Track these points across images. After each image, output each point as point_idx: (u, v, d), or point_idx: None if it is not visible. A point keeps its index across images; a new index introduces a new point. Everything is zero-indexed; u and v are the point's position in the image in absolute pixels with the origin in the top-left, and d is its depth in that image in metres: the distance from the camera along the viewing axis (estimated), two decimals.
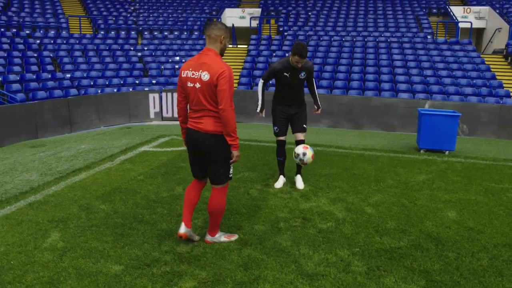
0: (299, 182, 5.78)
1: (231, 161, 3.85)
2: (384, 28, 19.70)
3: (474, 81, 14.01)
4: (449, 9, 20.53)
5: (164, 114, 12.52)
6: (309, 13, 22.06)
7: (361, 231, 4.43)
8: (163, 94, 12.47)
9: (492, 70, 14.95)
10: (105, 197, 5.29)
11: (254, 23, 21.24)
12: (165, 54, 17.19)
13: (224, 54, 14.46)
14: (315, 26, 20.51)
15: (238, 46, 23.46)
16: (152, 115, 12.37)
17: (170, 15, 21.99)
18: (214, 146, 3.72)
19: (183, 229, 3.92)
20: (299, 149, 5.48)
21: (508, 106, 11.53)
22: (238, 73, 16.25)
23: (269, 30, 20.62)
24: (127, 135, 9.53)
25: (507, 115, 11.13)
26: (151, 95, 12.30)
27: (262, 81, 5.60)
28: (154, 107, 12.34)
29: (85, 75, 14.80)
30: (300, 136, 5.69)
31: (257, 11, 22.39)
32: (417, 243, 4.16)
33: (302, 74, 5.44)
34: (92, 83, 14.37)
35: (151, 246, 4.02)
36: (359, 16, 21.46)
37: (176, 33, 19.66)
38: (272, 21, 21.95)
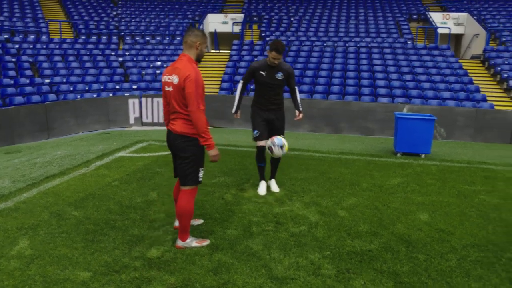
0: (274, 186, 5.81)
1: (210, 160, 3.96)
2: (365, 33, 19.92)
3: (452, 86, 14.24)
4: (428, 15, 20.87)
5: (144, 120, 12.43)
6: (291, 19, 22.20)
7: (333, 234, 4.45)
8: (143, 100, 12.39)
9: (470, 75, 15.22)
10: (78, 203, 5.22)
11: (237, 29, 21.29)
12: (146, 59, 17.10)
13: (206, 59, 14.45)
14: (297, 32, 20.64)
15: (220, 51, 23.51)
16: (131, 121, 12.28)
17: (152, 20, 21.91)
18: (182, 146, 3.88)
19: (176, 223, 4.30)
20: (280, 141, 5.37)
21: (484, 110, 11.75)
22: (220, 78, 16.25)
23: (251, 35, 20.68)
24: (105, 141, 9.43)
25: (483, 118, 11.33)
26: (131, 101, 12.21)
27: (242, 82, 5.62)
28: (134, 113, 12.25)
29: (64, 80, 14.63)
30: None
31: (239, 17, 22.46)
32: (388, 246, 4.19)
33: (279, 75, 5.40)
34: (71, 88, 14.21)
35: (121, 252, 3.98)
36: (340, 22, 21.67)
37: (158, 38, 19.59)
38: (255, 27, 22.04)
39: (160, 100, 12.42)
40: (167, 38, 19.50)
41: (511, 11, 21.11)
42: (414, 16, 22.07)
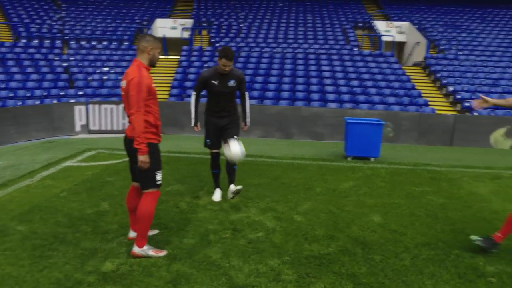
0: (232, 186, 5.60)
1: (138, 164, 3.89)
2: (313, 40, 20.38)
3: (396, 91, 14.86)
4: (373, 24, 21.72)
5: (91, 127, 11.99)
6: (241, 25, 22.30)
7: (291, 239, 4.47)
8: (90, 106, 11.95)
9: (412, 81, 15.97)
10: (23, 217, 4.91)
11: (186, 34, 21.09)
12: (92, 64, 16.52)
13: (157, 66, 14.17)
14: (247, 38, 20.77)
15: (169, 57, 23.19)
16: (78, 128, 11.79)
17: (98, 24, 21.22)
18: (134, 150, 3.87)
19: (131, 234, 4.26)
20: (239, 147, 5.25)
21: (427, 114, 12.35)
22: (169, 85, 16.01)
23: (201, 41, 20.57)
24: (50, 150, 8.98)
25: (425, 122, 11.91)
26: (77, 107, 11.74)
27: (194, 93, 5.50)
28: (80, 120, 11.78)
29: (3, 86, 13.82)
30: None
31: (189, 22, 22.27)
32: (344, 248, 4.27)
33: (232, 82, 5.35)
34: (11, 95, 13.44)
35: (73, 267, 3.77)
36: (289, 28, 22.04)
37: (104, 43, 18.99)
38: (204, 32, 21.93)
39: (108, 106, 12.04)
40: (114, 43, 18.96)
41: (447, 21, 22.40)
42: (360, 24, 22.88)
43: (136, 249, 3.95)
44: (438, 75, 16.50)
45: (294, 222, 4.96)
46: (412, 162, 8.40)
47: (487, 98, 4.33)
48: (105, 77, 15.47)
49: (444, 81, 15.92)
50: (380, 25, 21.74)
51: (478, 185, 6.87)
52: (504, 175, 7.68)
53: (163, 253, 4.05)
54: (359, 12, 24.79)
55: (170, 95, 14.73)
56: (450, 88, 15.32)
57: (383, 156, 8.91)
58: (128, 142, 3.98)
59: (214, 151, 5.60)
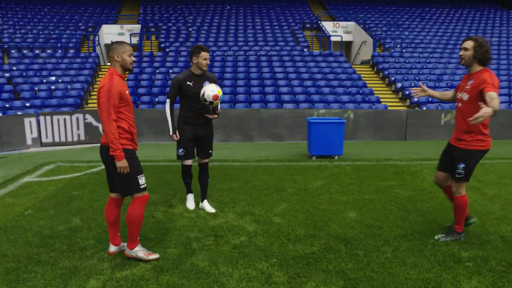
0: (208, 207, 5.48)
1: (117, 171, 3.85)
2: (264, 42, 20.58)
3: (349, 90, 15.32)
4: (321, 24, 22.26)
5: (44, 140, 11.42)
6: (190, 29, 22.11)
7: (274, 241, 4.51)
8: (41, 118, 11.38)
9: (363, 79, 16.52)
10: None
11: (135, 40, 20.61)
12: (38, 74, 15.75)
13: (104, 73, 13.65)
14: (197, 42, 20.61)
15: None
16: (29, 142, 11.19)
17: (40, 32, 20.25)
18: (110, 158, 3.87)
19: (111, 248, 4.22)
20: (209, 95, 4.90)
21: (381, 111, 12.83)
22: None
23: (151, 46, 20.18)
24: (3, 166, 8.48)
25: (380, 118, 12.37)
26: (26, 120, 11.13)
27: (169, 100, 5.21)
28: (32, 133, 11.17)
29: None
30: (205, 160, 5.44)
31: (136, 27, 21.77)
32: (328, 246, 4.36)
33: (206, 84, 5.10)
34: None
35: None
36: (239, 31, 22.11)
37: (49, 51, 18.16)
38: (153, 38, 21.53)
39: (61, 117, 11.53)
40: (60, 51, 18.19)
41: (390, 21, 23.40)
42: (307, 25, 23.37)
43: (127, 250, 4.08)
44: (386, 72, 17.19)
45: (274, 224, 5.00)
46: (374, 158, 8.71)
47: (425, 88, 4.64)
48: (53, 87, 14.78)
49: (392, 78, 16.61)
50: (327, 26, 22.33)
51: None
52: None
53: (154, 256, 4.08)
54: (305, 13, 25.32)
55: None
56: (399, 85, 16.01)
57: (345, 154, 9.17)
58: (103, 150, 3.95)
59: (186, 163, 5.34)
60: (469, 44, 4.09)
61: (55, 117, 11.47)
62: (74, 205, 5.74)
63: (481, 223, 5.05)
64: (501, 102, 14.99)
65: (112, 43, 4.02)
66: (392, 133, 12.37)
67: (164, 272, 3.84)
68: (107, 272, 3.86)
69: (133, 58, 4.01)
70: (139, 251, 4.06)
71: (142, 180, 4.00)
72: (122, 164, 3.81)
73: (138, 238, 4.15)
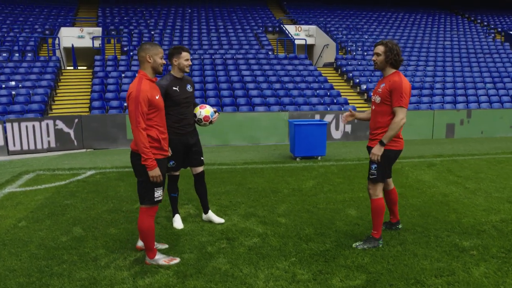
0: (216, 218, 5.24)
1: (150, 180, 3.84)
2: (228, 45, 20.65)
3: (317, 92, 15.70)
4: (283, 28, 22.62)
5: (11, 148, 10.91)
6: (152, 32, 21.80)
7: (287, 241, 4.61)
8: (7, 125, 10.87)
9: (328, 81, 16.97)
10: None
11: (97, 43, 20.05)
12: None
13: (67, 78, 13.32)
14: (161, 45, 20.32)
15: (79, 68, 21.90)
16: None
17: None
18: (133, 164, 3.91)
19: (139, 243, 4.35)
20: (201, 114, 4.85)
21: None
22: (87, 97, 15.15)
23: (114, 50, 19.71)
24: None
25: (352, 120, 12.77)
26: None
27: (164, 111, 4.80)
28: None
29: None
30: (200, 168, 5.10)
31: (97, 30, 21.19)
32: (340, 243, 4.52)
33: (189, 87, 4.86)
34: None
35: None
36: (202, 35, 22.05)
37: (4, 54, 17.32)
38: (112, 40, 21.01)
39: (29, 124, 11.07)
40: (16, 55, 17.39)
41: (349, 25, 24.16)
42: (270, 29, 23.67)
43: (147, 259, 4.08)
44: (350, 74, 17.75)
45: (281, 225, 5.10)
46: (355, 157, 9.02)
47: (353, 112, 4.80)
48: (13, 92, 14.13)
49: (357, 80, 17.17)
50: (290, 29, 22.72)
51: (420, 173, 7.63)
52: (436, 162, 8.61)
53: (175, 261, 4.08)
54: (267, 17, 25.63)
55: (92, 107, 13.94)
56: (363, 87, 16.59)
57: (326, 155, 9.42)
58: (131, 155, 3.94)
59: (175, 173, 5.00)
60: (380, 49, 4.19)
61: (22, 124, 11.01)
62: (70, 215, 5.58)
63: (472, 214, 5.40)
64: (458, 102, 15.91)
65: (143, 43, 3.89)
66: (363, 133, 12.81)
67: (188, 277, 3.84)
68: (129, 281, 3.80)
69: (164, 61, 3.95)
70: (160, 259, 4.04)
71: (158, 193, 3.93)
72: (154, 173, 3.78)
73: (155, 247, 4.13)
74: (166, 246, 4.52)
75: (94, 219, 5.43)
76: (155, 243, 4.42)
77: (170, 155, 4.63)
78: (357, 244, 4.42)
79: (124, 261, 4.18)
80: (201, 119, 4.88)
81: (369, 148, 4.42)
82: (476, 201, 6.00)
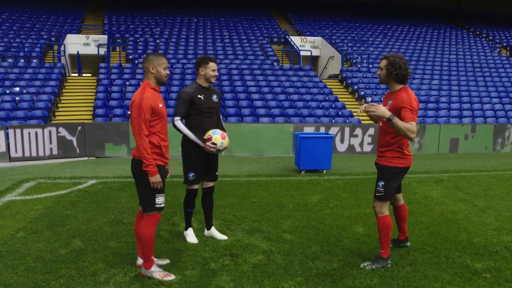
0: (219, 234, 5.09)
1: (151, 186, 3.84)
2: (234, 55, 20.62)
3: (322, 104, 15.59)
4: (289, 39, 22.61)
5: (13, 154, 10.81)
6: (158, 41, 21.82)
7: (293, 259, 4.46)
8: (10, 131, 10.79)
9: (333, 93, 16.87)
10: None
11: (102, 51, 20.06)
12: (0, 84, 14.96)
13: (72, 85, 13.23)
14: (166, 54, 20.35)
15: (84, 75, 21.89)
16: None
17: (0, 40, 19.32)
18: (134, 170, 3.92)
19: (139, 261, 4.21)
20: (218, 140, 4.60)
21: (354, 124, 13.11)
22: (91, 105, 15.09)
23: (119, 58, 19.71)
24: None
25: (354, 132, 12.66)
26: None
27: (179, 117, 4.63)
28: None
29: None
30: (212, 183, 5.01)
31: (102, 38, 21.22)
32: (347, 262, 4.37)
33: (215, 97, 4.79)
34: None
35: None
36: (208, 44, 22.06)
37: (10, 60, 17.32)
38: (117, 48, 21.03)
39: (32, 130, 11.00)
40: (22, 61, 17.39)
41: (354, 37, 24.14)
42: (275, 39, 23.67)
43: (143, 269, 4.04)
44: (356, 87, 17.66)
45: (286, 241, 4.96)
46: (361, 171, 8.87)
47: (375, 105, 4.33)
48: (17, 98, 14.08)
49: (362, 93, 17.08)
50: (295, 40, 22.70)
51: (428, 189, 7.47)
52: (443, 178, 8.45)
53: (170, 277, 3.97)
54: (272, 28, 25.65)
55: (96, 115, 13.86)
56: (369, 99, 16.48)
57: (332, 168, 9.28)
58: (132, 162, 3.95)
59: (195, 187, 4.83)
60: (383, 63, 4.12)
61: (25, 130, 10.92)
62: (70, 226, 5.45)
63: (483, 234, 5.24)
64: (464, 117, 15.78)
65: (148, 54, 3.95)
66: (370, 146, 12.66)
67: None
68: None
69: (168, 72, 3.95)
70: (155, 272, 3.98)
71: (159, 200, 3.92)
72: (155, 179, 3.81)
73: (153, 258, 4.03)
74: (167, 261, 4.39)
75: (94, 231, 5.29)
76: (156, 259, 4.31)
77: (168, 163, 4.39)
78: (366, 264, 4.26)
79: (124, 277, 4.04)
80: (220, 149, 4.64)
81: (377, 165, 4.31)
82: (486, 220, 5.84)
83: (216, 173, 5.03)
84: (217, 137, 4.59)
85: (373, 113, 3.92)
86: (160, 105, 3.87)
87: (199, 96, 4.67)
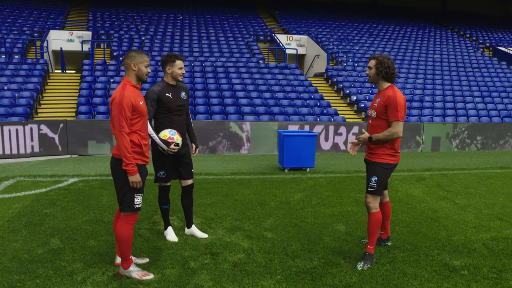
0: (199, 233, 5.05)
1: (130, 185, 3.79)
2: (219, 53, 20.54)
3: (307, 102, 15.62)
4: (275, 37, 22.60)
5: None
6: (143, 38, 21.62)
7: (273, 257, 4.45)
8: None
9: (318, 91, 16.91)
10: None
11: (86, 47, 19.81)
12: None
13: (55, 81, 13.02)
14: (151, 51, 20.17)
15: (68, 71, 21.60)
16: None
17: None
18: (113, 169, 3.86)
19: (117, 260, 4.17)
20: (179, 140, 4.54)
21: (339, 123, 13.17)
22: (74, 102, 14.89)
23: (103, 54, 19.47)
24: None
25: (339, 130, 12.71)
26: None
27: (148, 117, 4.46)
28: None
29: None
30: (190, 181, 4.93)
31: (87, 34, 20.94)
32: (328, 260, 4.37)
33: (183, 94, 4.73)
34: None
35: None
36: (193, 42, 21.93)
37: None
38: (102, 45, 20.79)
39: (12, 128, 10.80)
40: (3, 57, 17.07)
41: (340, 35, 24.24)
42: (261, 37, 23.63)
43: (120, 269, 3.98)
44: (341, 85, 17.73)
45: (267, 240, 4.94)
46: (344, 170, 8.90)
47: (356, 141, 4.46)
48: None
49: (347, 91, 17.15)
50: (281, 38, 22.70)
51: (410, 187, 7.53)
52: (425, 176, 8.53)
53: (148, 277, 3.94)
54: (258, 26, 25.62)
55: (79, 113, 13.67)
56: (354, 98, 16.56)
57: (316, 166, 9.30)
58: (111, 160, 3.88)
59: (166, 184, 4.84)
60: (371, 63, 4.30)
61: (5, 128, 10.72)
62: (49, 225, 5.36)
63: (462, 232, 5.30)
64: (448, 116, 15.97)
65: (130, 51, 3.88)
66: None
67: None
68: None
69: (149, 70, 3.88)
70: (133, 272, 3.94)
71: (138, 200, 3.88)
72: (134, 179, 3.74)
73: (131, 257, 3.99)
74: (146, 260, 4.34)
75: (73, 230, 5.21)
76: (134, 258, 4.27)
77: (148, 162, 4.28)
78: (361, 265, 4.22)
79: (102, 276, 3.99)
80: (178, 144, 4.56)
81: (368, 161, 4.39)
82: (466, 217, 5.91)
83: (192, 170, 4.97)
84: (177, 137, 4.53)
85: (360, 145, 4.31)
86: (141, 103, 3.81)
87: (167, 94, 4.59)
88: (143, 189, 3.93)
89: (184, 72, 4.72)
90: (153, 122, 4.71)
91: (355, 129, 12.93)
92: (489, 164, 10.75)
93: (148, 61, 3.88)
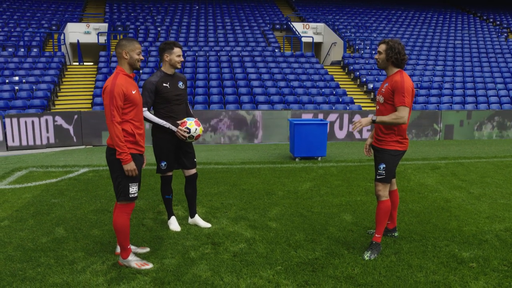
0: (203, 222, 5.03)
1: (125, 175, 3.78)
2: (235, 42, 20.40)
3: (322, 90, 15.39)
4: (291, 25, 22.31)
5: (10, 143, 10.81)
6: (159, 28, 21.64)
7: (275, 247, 4.38)
8: (7, 120, 10.77)
9: (335, 80, 16.65)
10: None
11: (102, 39, 19.96)
12: (0, 73, 14.94)
13: (71, 74, 13.11)
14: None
15: (85, 63, 21.84)
16: None
17: (0, 29, 19.28)
18: (108, 159, 3.85)
19: (118, 249, 4.17)
20: (196, 131, 4.61)
21: (354, 111, 12.93)
22: (91, 93, 15.04)
23: None
24: None
25: (353, 119, 12.47)
26: None
27: (145, 108, 4.48)
28: None
29: None
30: (193, 171, 4.89)
31: (103, 26, 21.09)
32: (331, 251, 4.27)
33: (181, 84, 4.66)
34: None
35: None
36: (209, 31, 21.84)
37: (10, 49, 17.29)
38: (119, 37, 20.91)
39: (29, 119, 10.97)
40: (22, 50, 17.35)
41: (358, 23, 23.77)
42: (277, 26, 23.37)
43: (120, 260, 3.98)
44: (357, 73, 17.41)
45: (271, 229, 4.87)
46: (357, 158, 8.73)
47: (369, 142, 4.48)
48: (17, 87, 14.06)
49: (364, 79, 16.83)
50: (297, 27, 22.40)
51: (423, 176, 7.33)
52: (441, 165, 8.28)
53: (147, 266, 3.94)
54: (275, 14, 25.33)
55: (94, 104, 13.81)
56: (370, 86, 16.24)
57: (328, 155, 9.16)
58: (106, 150, 3.87)
59: (168, 174, 4.81)
60: (381, 47, 4.16)
61: (22, 119, 10.89)
62: (55, 214, 5.40)
63: (474, 222, 5.11)
64: (468, 103, 15.50)
65: (121, 39, 3.80)
66: (370, 133, 12.49)
67: (165, 284, 3.63)
68: (103, 287, 3.61)
69: (141, 57, 3.82)
70: (132, 261, 3.94)
71: (133, 189, 3.84)
72: (129, 167, 3.72)
73: (130, 247, 3.97)
74: (147, 250, 4.33)
75: (79, 219, 5.24)
76: (135, 247, 4.26)
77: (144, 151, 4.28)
78: (368, 254, 4.12)
79: (101, 265, 3.99)
80: (193, 136, 4.61)
81: (376, 148, 4.31)
82: (479, 207, 5.70)
83: (195, 160, 4.92)
84: (191, 123, 4.55)
85: (361, 127, 4.07)
86: (134, 92, 3.74)
87: (164, 84, 4.54)
88: (139, 178, 3.89)
89: (183, 59, 4.66)
90: (152, 112, 4.68)
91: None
92: (509, 152, 10.38)
93: (139, 48, 3.80)
